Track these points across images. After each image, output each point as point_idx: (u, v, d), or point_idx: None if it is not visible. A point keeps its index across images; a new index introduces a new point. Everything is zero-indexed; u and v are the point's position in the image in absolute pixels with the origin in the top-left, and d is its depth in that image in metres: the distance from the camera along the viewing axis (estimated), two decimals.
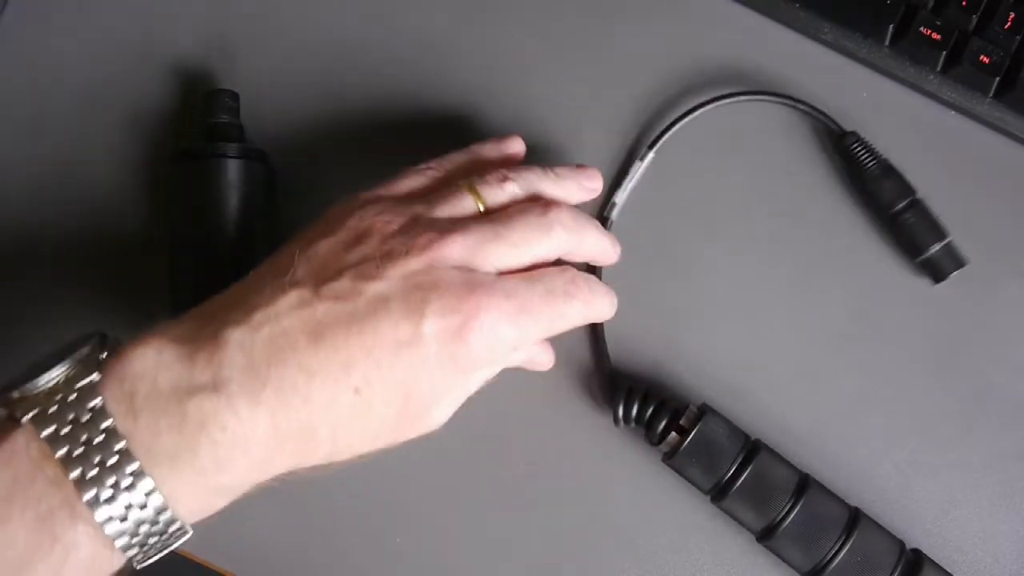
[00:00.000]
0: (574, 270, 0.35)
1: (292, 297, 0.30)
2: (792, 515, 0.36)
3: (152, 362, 0.29)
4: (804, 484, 0.37)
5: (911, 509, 0.40)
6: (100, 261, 0.42)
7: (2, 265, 0.42)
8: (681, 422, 0.37)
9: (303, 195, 0.42)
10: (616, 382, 0.40)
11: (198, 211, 0.39)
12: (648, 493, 0.40)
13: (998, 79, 0.40)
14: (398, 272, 0.31)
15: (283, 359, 0.29)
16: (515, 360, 0.36)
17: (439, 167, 0.37)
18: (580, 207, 0.37)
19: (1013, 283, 0.41)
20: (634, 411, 0.38)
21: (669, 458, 0.38)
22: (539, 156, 0.42)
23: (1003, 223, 0.42)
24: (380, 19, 0.43)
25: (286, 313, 0.30)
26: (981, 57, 0.40)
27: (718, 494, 0.37)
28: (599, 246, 0.37)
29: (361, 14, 0.44)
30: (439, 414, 0.33)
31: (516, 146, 0.38)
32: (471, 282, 0.32)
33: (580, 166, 0.38)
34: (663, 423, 0.38)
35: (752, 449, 0.37)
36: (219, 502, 0.30)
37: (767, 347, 0.41)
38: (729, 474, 0.37)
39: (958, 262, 0.40)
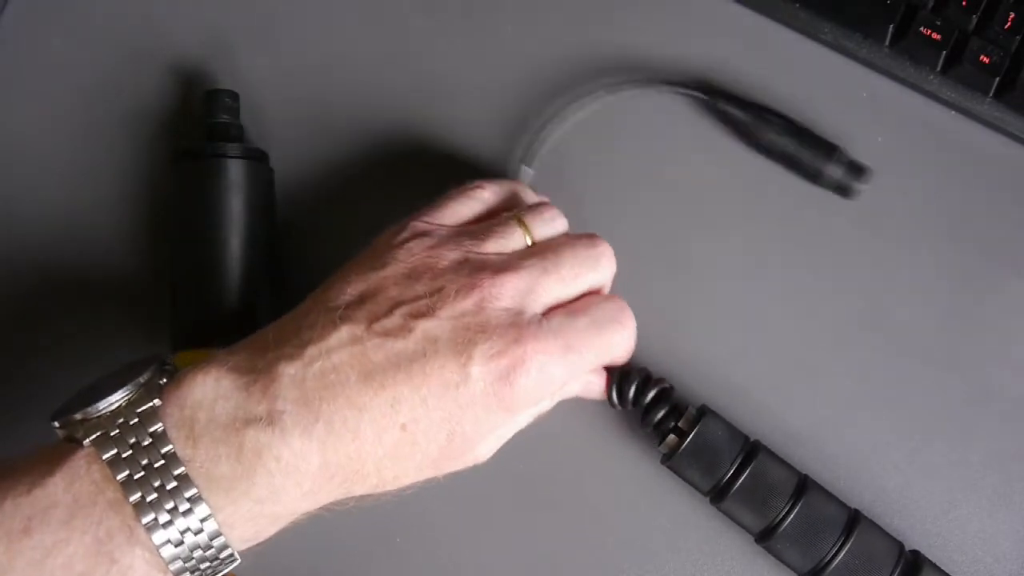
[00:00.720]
0: (619, 298, 0.35)
1: (343, 332, 0.31)
2: (791, 516, 0.36)
3: (211, 391, 0.30)
4: (803, 485, 0.37)
5: (911, 509, 0.40)
6: (100, 261, 0.42)
7: (1, 263, 0.42)
8: (680, 423, 0.37)
9: (303, 195, 0.42)
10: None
11: (198, 211, 0.39)
12: (647, 494, 0.40)
13: (998, 79, 0.40)
14: (448, 312, 0.32)
15: (334, 394, 0.30)
16: (571, 392, 0.37)
17: (490, 189, 0.37)
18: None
19: (1013, 283, 0.41)
20: (631, 393, 0.38)
21: (668, 460, 0.38)
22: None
23: (1003, 223, 0.42)
24: (380, 18, 0.43)
25: (337, 349, 0.31)
26: (981, 57, 0.40)
27: (717, 495, 0.37)
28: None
29: (361, 14, 0.44)
30: (483, 449, 0.33)
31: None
32: (519, 324, 0.32)
33: None
34: (661, 413, 0.37)
35: (751, 450, 0.37)
36: (269, 530, 0.31)
37: (765, 347, 0.41)
38: (728, 475, 0.37)
39: (857, 171, 0.40)
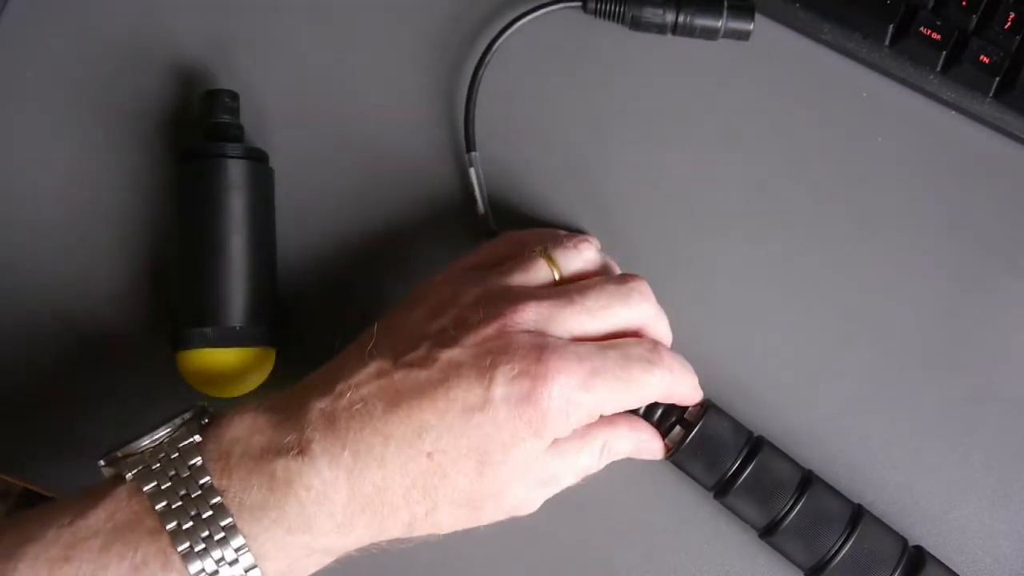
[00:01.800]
0: (658, 342, 0.35)
1: (372, 368, 0.32)
2: (795, 511, 0.36)
3: (247, 427, 0.31)
4: (807, 481, 0.37)
5: (911, 509, 0.40)
6: (99, 260, 0.42)
7: (1, 263, 0.42)
8: (685, 415, 0.37)
9: (303, 195, 0.42)
10: None
11: (198, 211, 0.39)
12: (650, 489, 0.40)
13: (998, 79, 0.40)
14: (471, 340, 0.32)
15: (361, 424, 0.31)
16: (622, 451, 0.36)
17: (516, 235, 0.38)
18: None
19: (1013, 283, 0.41)
20: None
21: (672, 454, 0.38)
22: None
23: (1003, 223, 0.42)
24: (380, 19, 0.43)
25: (366, 382, 0.32)
26: (981, 57, 0.40)
27: (721, 490, 0.37)
28: (667, 331, 0.36)
29: (361, 13, 0.43)
30: (521, 493, 0.33)
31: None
32: (541, 345, 0.32)
33: None
34: (662, 408, 0.37)
35: (755, 445, 0.37)
36: (305, 566, 0.32)
37: (765, 347, 0.41)
38: (732, 470, 0.37)
39: (748, 10, 0.40)
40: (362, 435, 0.31)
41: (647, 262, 0.41)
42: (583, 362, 0.32)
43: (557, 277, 0.35)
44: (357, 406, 0.31)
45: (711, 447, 0.37)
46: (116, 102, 0.43)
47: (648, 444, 0.36)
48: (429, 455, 0.31)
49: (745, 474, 0.36)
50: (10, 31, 0.43)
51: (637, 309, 0.35)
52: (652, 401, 0.35)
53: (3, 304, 0.41)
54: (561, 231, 0.39)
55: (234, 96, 0.41)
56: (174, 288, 0.40)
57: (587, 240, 0.37)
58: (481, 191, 0.41)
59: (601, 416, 0.33)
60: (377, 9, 0.43)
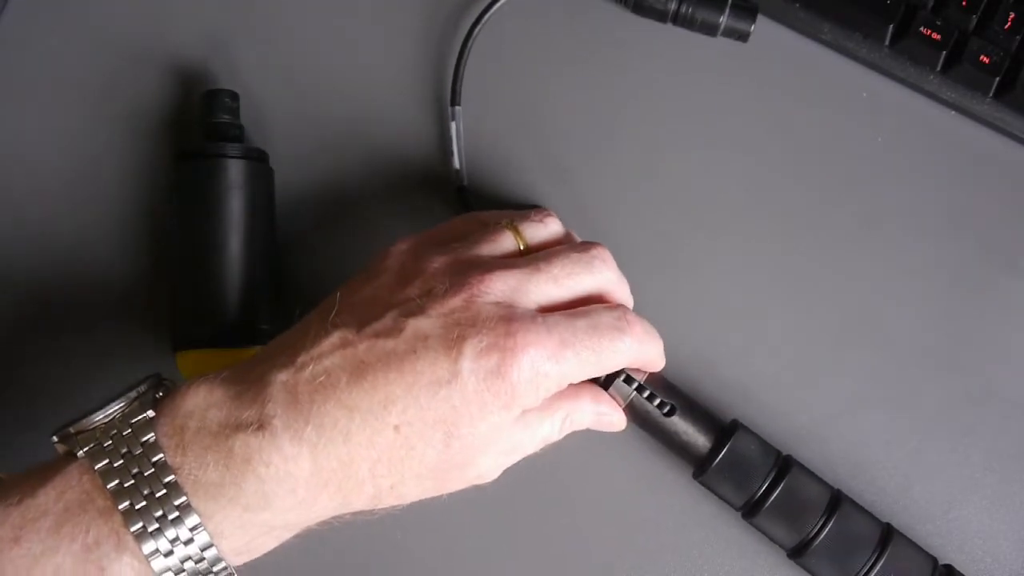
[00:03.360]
0: (625, 307, 0.35)
1: (335, 337, 0.31)
2: (825, 532, 0.36)
3: (203, 400, 0.30)
4: (837, 500, 0.37)
5: (911, 509, 0.40)
6: (100, 260, 0.42)
7: (1, 263, 0.42)
8: (625, 368, 0.37)
9: (303, 195, 0.42)
10: None
11: (198, 211, 0.39)
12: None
13: (998, 79, 0.40)
14: (439, 310, 0.31)
15: (325, 397, 0.30)
16: (582, 422, 0.35)
17: (480, 214, 0.38)
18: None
19: (1013, 283, 0.41)
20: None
21: (700, 475, 0.37)
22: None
23: (1003, 223, 0.42)
24: (380, 18, 0.43)
25: (329, 353, 0.31)
26: (981, 57, 0.40)
27: (750, 511, 0.37)
28: (628, 295, 0.36)
29: (361, 13, 0.44)
30: (486, 463, 0.33)
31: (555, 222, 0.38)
32: (510, 317, 0.31)
33: None
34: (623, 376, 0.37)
35: (784, 465, 0.37)
36: (264, 542, 0.31)
37: (765, 346, 0.41)
38: (761, 491, 0.36)
39: (750, 11, 0.40)
40: (326, 408, 0.30)
41: (643, 259, 0.41)
42: (552, 333, 0.32)
43: (522, 247, 0.35)
44: (320, 378, 0.30)
45: (740, 468, 0.36)
46: (116, 102, 0.43)
47: (609, 416, 0.36)
48: (396, 428, 0.30)
49: (775, 495, 0.36)
50: (10, 31, 0.43)
51: (600, 275, 0.35)
52: (620, 368, 0.35)
53: (3, 304, 0.41)
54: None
55: (234, 96, 0.41)
56: (174, 288, 0.40)
57: (552, 215, 0.37)
58: (459, 146, 0.41)
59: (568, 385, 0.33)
60: (377, 9, 0.43)
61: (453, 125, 0.41)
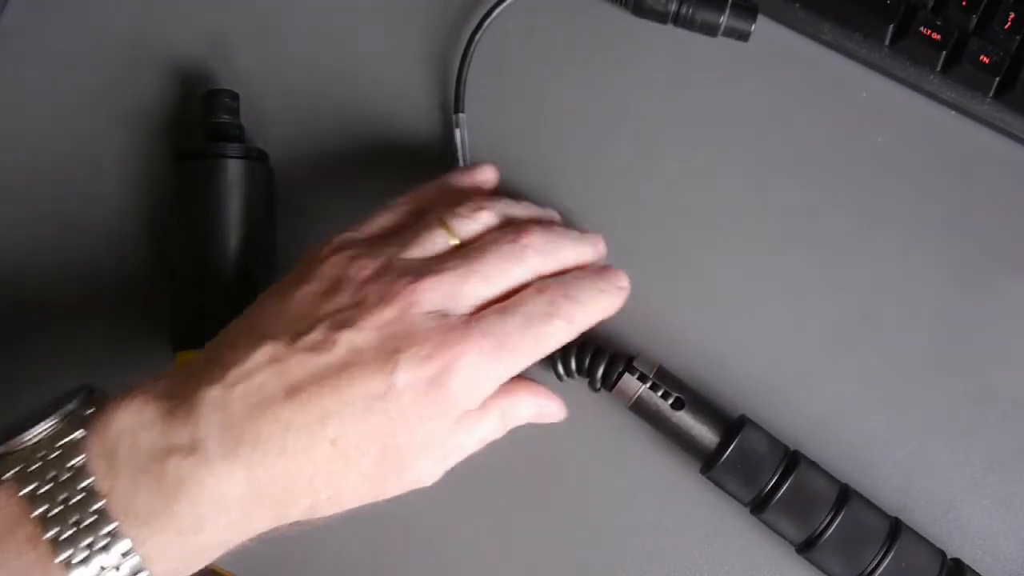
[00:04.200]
0: (553, 288, 0.34)
1: (266, 350, 0.30)
2: (833, 527, 0.36)
3: (135, 419, 0.29)
4: (845, 495, 0.37)
5: (911, 509, 0.40)
6: (100, 260, 0.42)
7: (1, 263, 0.42)
8: (634, 363, 0.37)
9: (303, 195, 0.42)
10: None
11: (198, 211, 0.39)
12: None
13: (998, 79, 0.40)
14: (372, 322, 0.31)
15: (259, 414, 0.29)
16: (522, 417, 0.35)
17: (410, 201, 0.37)
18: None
19: (1013, 283, 0.41)
20: (573, 362, 0.38)
21: (707, 470, 0.37)
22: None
23: (1002, 223, 0.42)
24: (381, 19, 0.43)
25: (260, 368, 0.30)
26: (981, 57, 0.40)
27: (758, 506, 0.37)
28: (578, 255, 0.36)
29: (362, 13, 0.43)
30: (426, 467, 0.32)
31: (487, 174, 0.38)
32: (445, 327, 0.31)
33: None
34: (603, 366, 0.38)
35: (792, 460, 0.37)
36: (199, 562, 0.30)
37: (764, 346, 0.41)
38: (769, 486, 0.36)
39: (750, 11, 0.40)
40: (260, 425, 0.29)
41: (647, 256, 0.41)
42: (487, 337, 0.31)
43: (454, 243, 0.34)
44: (253, 395, 0.29)
45: (748, 463, 0.36)
46: (116, 102, 0.43)
47: (548, 407, 0.36)
48: (333, 442, 0.30)
49: (783, 490, 0.36)
50: (10, 31, 0.43)
51: (532, 264, 0.34)
52: (561, 346, 0.35)
53: (2, 304, 0.41)
54: (454, 179, 0.38)
55: (234, 96, 0.41)
56: (174, 288, 0.40)
57: (483, 207, 0.35)
58: (463, 151, 0.41)
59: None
60: (377, 9, 0.43)
61: (457, 132, 0.41)
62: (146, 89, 0.43)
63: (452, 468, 0.35)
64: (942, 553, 0.37)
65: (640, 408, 0.38)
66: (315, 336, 0.31)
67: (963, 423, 0.40)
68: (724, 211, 0.42)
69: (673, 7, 0.40)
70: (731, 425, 0.37)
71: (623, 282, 0.36)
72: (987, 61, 0.40)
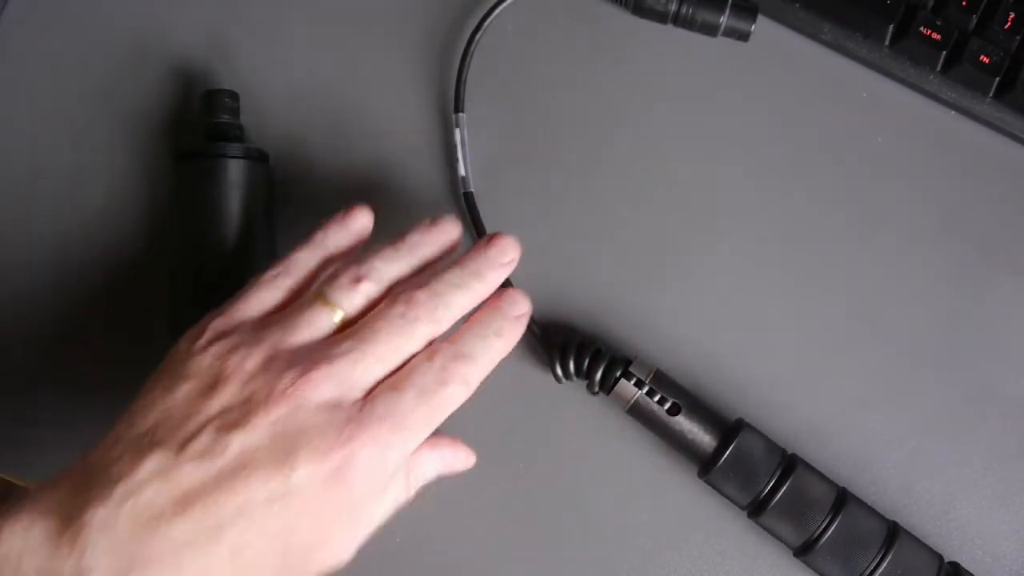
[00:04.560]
0: (444, 352, 0.32)
1: (153, 461, 0.28)
2: (831, 530, 0.36)
3: (19, 542, 0.27)
4: (842, 499, 0.37)
5: (911, 509, 0.40)
6: (100, 260, 0.42)
7: (1, 263, 0.42)
8: (631, 368, 0.37)
9: (303, 195, 0.42)
10: (550, 340, 0.40)
11: (198, 211, 0.39)
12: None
13: (998, 79, 0.40)
14: (263, 419, 0.29)
15: (150, 532, 0.28)
16: (430, 474, 0.34)
17: (287, 272, 0.34)
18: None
19: (1012, 283, 0.41)
20: (571, 364, 0.38)
21: (705, 473, 0.37)
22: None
23: (1002, 223, 0.42)
24: (381, 19, 0.43)
25: (148, 481, 0.28)
26: (981, 57, 0.40)
27: (755, 510, 0.37)
28: (470, 301, 0.34)
29: (362, 13, 0.43)
30: (337, 551, 0.31)
31: (361, 220, 0.36)
32: (342, 420, 0.30)
33: (432, 221, 0.36)
34: (601, 370, 0.38)
35: (789, 464, 0.37)
36: None
37: (764, 347, 0.41)
38: (767, 490, 0.36)
39: (750, 11, 0.40)
40: (151, 546, 0.27)
41: (646, 258, 0.41)
42: (384, 421, 0.30)
43: (340, 319, 0.33)
44: (142, 512, 0.28)
45: (745, 466, 0.36)
46: (116, 102, 0.43)
47: (454, 459, 0.35)
48: (232, 554, 0.28)
49: (780, 494, 0.36)
50: (10, 31, 0.43)
51: (423, 335, 0.32)
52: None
53: (2, 304, 0.41)
54: (331, 241, 0.36)
55: (234, 96, 0.41)
56: (174, 288, 0.40)
57: (361, 277, 0.33)
58: (463, 152, 0.41)
59: None
60: (378, 10, 0.43)
61: (457, 132, 0.41)
62: (146, 89, 0.43)
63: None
64: (940, 557, 0.37)
65: (637, 413, 0.38)
66: (203, 440, 0.29)
67: (963, 423, 0.40)
68: (723, 211, 0.42)
69: (673, 7, 0.40)
70: (728, 428, 0.37)
71: (520, 308, 0.34)
72: (987, 61, 0.40)
